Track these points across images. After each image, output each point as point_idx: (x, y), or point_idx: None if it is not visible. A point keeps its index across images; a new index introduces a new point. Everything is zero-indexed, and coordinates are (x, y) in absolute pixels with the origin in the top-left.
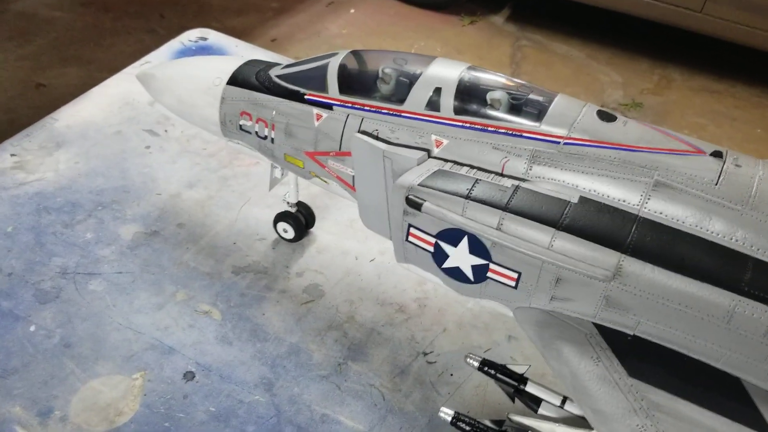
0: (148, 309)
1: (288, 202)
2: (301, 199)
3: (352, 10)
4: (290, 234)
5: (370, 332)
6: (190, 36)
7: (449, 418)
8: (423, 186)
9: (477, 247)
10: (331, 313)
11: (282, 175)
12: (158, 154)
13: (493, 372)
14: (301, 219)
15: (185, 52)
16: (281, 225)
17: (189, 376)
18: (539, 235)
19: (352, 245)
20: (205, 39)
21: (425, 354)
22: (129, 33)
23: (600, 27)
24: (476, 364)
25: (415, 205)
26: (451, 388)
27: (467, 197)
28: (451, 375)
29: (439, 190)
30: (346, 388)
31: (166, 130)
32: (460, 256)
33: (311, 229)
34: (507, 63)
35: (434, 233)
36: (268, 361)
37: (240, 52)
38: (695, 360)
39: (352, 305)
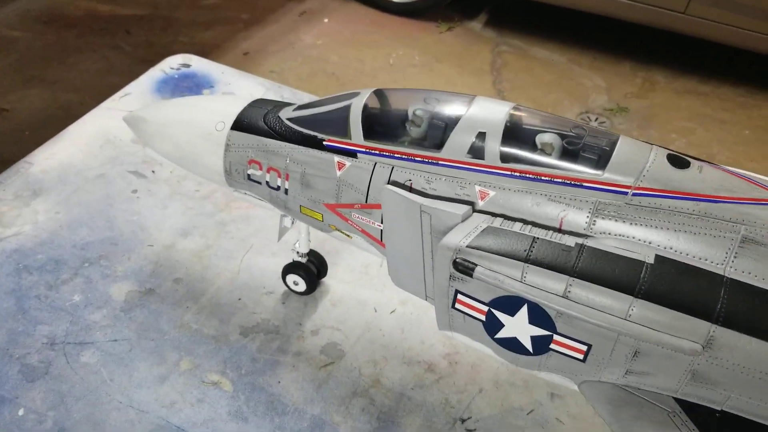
0: (150, 382)
1: (298, 252)
2: (319, 252)
3: (326, 20)
4: (302, 287)
5: (400, 397)
6: (172, 63)
7: None
8: (473, 248)
9: (539, 316)
10: (353, 377)
11: (292, 223)
12: (147, 199)
13: None
14: (313, 269)
15: (168, 81)
16: (291, 277)
17: None
18: (614, 302)
19: (369, 295)
20: (188, 66)
21: (463, 421)
22: (94, 50)
23: (581, 30)
24: None
25: (465, 270)
26: None
27: (526, 260)
28: None
29: (493, 252)
30: None
31: (153, 171)
32: (518, 327)
33: (323, 279)
34: (488, 70)
35: (487, 301)
36: None
37: (227, 79)
38: None
39: (376, 366)
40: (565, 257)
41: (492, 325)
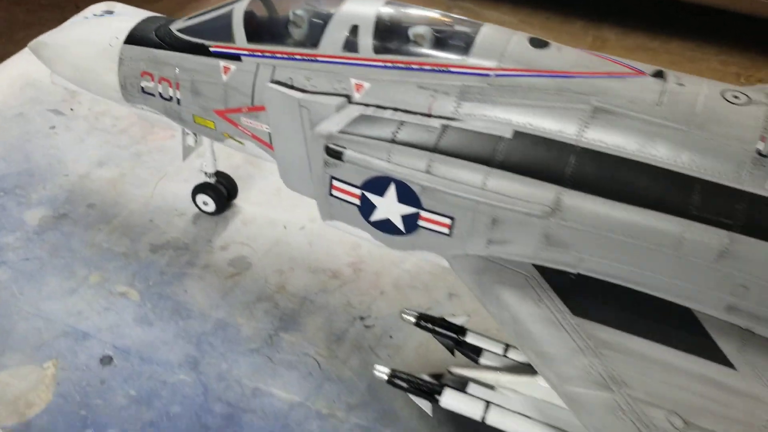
0: (59, 295)
1: (206, 173)
2: (222, 169)
3: None
4: (211, 206)
5: (303, 301)
6: (95, 10)
7: (385, 377)
8: (344, 133)
9: (406, 194)
10: (259, 285)
11: (196, 142)
12: (65, 134)
13: (431, 326)
14: (222, 190)
15: None
16: (200, 197)
17: (106, 360)
18: (471, 175)
19: (279, 215)
20: (111, 12)
21: (362, 318)
22: (43, 25)
23: None
24: (413, 319)
25: (335, 154)
26: (391, 351)
27: (392, 141)
28: (391, 337)
29: (362, 136)
30: (278, 360)
31: (72, 109)
32: (389, 206)
33: (234, 201)
34: None
35: (359, 184)
36: (193, 339)
37: None
38: (644, 294)
39: (282, 275)
40: (428, 137)
41: (366, 208)
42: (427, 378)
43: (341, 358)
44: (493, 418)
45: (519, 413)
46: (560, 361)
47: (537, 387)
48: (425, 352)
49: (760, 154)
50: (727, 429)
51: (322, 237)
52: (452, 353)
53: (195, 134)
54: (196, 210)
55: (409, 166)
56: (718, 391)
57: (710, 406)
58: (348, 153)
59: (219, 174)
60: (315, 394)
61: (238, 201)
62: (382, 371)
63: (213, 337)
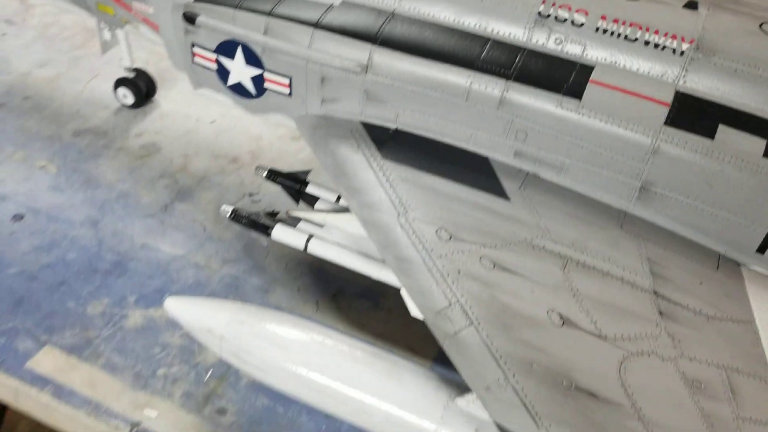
0: None
1: (125, 67)
2: (150, 71)
3: None
4: (129, 99)
5: (201, 179)
6: None
7: (228, 214)
8: (197, 1)
9: (250, 56)
10: (164, 165)
11: (111, 36)
12: (13, 40)
13: (279, 179)
14: (141, 85)
15: None
16: (120, 90)
17: (18, 218)
18: (302, 36)
19: (194, 110)
20: None
21: (251, 195)
22: None
23: None
24: (264, 173)
25: (191, 19)
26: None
27: (237, 7)
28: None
29: (212, 3)
30: (169, 224)
31: (24, 19)
32: (239, 70)
33: (155, 98)
34: None
35: (213, 48)
36: (97, 204)
37: None
38: (450, 146)
39: (186, 158)
40: (268, 5)
41: (222, 73)
42: (263, 216)
43: (225, 224)
44: (312, 248)
45: (335, 243)
46: (363, 192)
47: (354, 224)
48: None
49: (540, 15)
50: (485, 241)
51: (228, 130)
52: (296, 202)
53: (110, 28)
54: (118, 104)
55: (250, 29)
56: (489, 215)
57: (477, 225)
58: (200, 18)
59: (138, 71)
60: (196, 250)
61: (159, 98)
62: (226, 209)
63: (115, 203)
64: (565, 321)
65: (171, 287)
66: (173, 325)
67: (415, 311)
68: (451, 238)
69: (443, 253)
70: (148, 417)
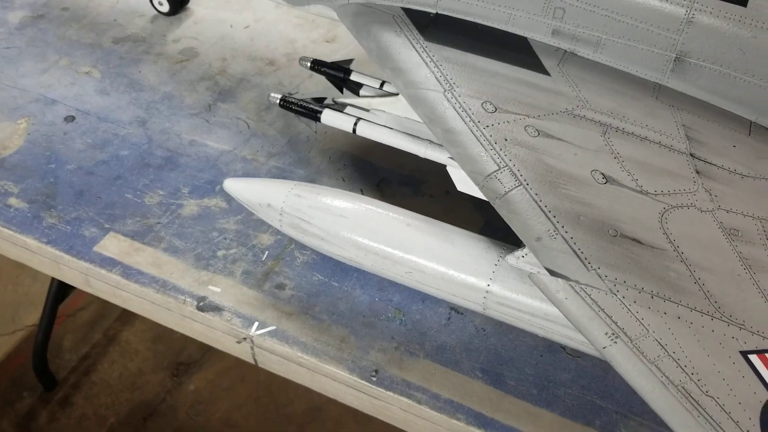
0: (33, 74)
1: None
2: None
3: None
4: (165, 7)
5: (240, 81)
6: None
7: (277, 101)
8: None
9: None
10: (204, 68)
11: None
12: None
13: (323, 69)
14: None
15: None
16: None
17: (69, 119)
18: None
19: (228, 16)
20: None
21: (290, 95)
22: None
23: None
24: (309, 64)
25: None
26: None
27: None
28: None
29: None
30: (214, 122)
31: None
32: None
33: (188, 6)
34: None
35: None
36: (143, 105)
37: None
38: (490, 28)
39: (224, 62)
40: None
41: None
42: (311, 101)
43: (268, 122)
44: (361, 129)
45: (383, 125)
46: (408, 72)
47: (398, 106)
48: None
49: None
50: (529, 112)
51: (263, 34)
52: (341, 91)
53: None
54: (155, 12)
55: None
56: (531, 89)
57: (520, 98)
58: None
59: None
60: (242, 145)
61: (192, 5)
62: (275, 96)
63: (160, 104)
64: (607, 179)
65: (221, 179)
66: (228, 212)
67: (461, 185)
68: (496, 110)
69: (490, 123)
70: (213, 292)
